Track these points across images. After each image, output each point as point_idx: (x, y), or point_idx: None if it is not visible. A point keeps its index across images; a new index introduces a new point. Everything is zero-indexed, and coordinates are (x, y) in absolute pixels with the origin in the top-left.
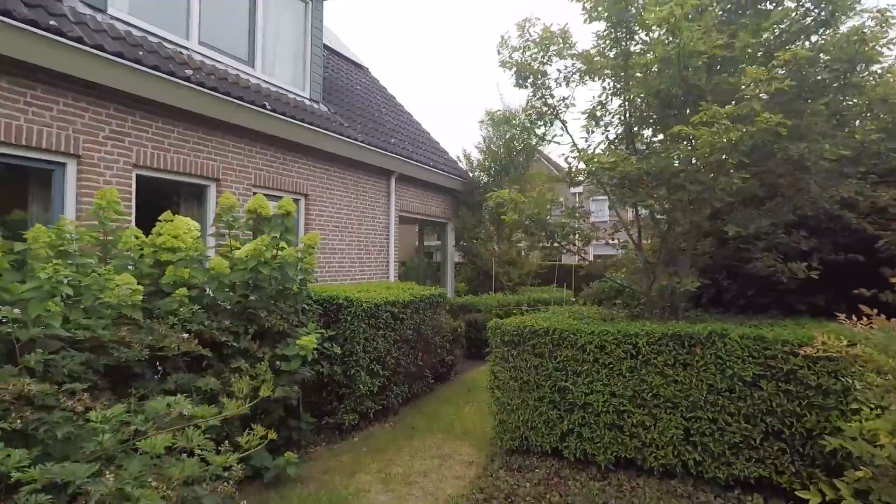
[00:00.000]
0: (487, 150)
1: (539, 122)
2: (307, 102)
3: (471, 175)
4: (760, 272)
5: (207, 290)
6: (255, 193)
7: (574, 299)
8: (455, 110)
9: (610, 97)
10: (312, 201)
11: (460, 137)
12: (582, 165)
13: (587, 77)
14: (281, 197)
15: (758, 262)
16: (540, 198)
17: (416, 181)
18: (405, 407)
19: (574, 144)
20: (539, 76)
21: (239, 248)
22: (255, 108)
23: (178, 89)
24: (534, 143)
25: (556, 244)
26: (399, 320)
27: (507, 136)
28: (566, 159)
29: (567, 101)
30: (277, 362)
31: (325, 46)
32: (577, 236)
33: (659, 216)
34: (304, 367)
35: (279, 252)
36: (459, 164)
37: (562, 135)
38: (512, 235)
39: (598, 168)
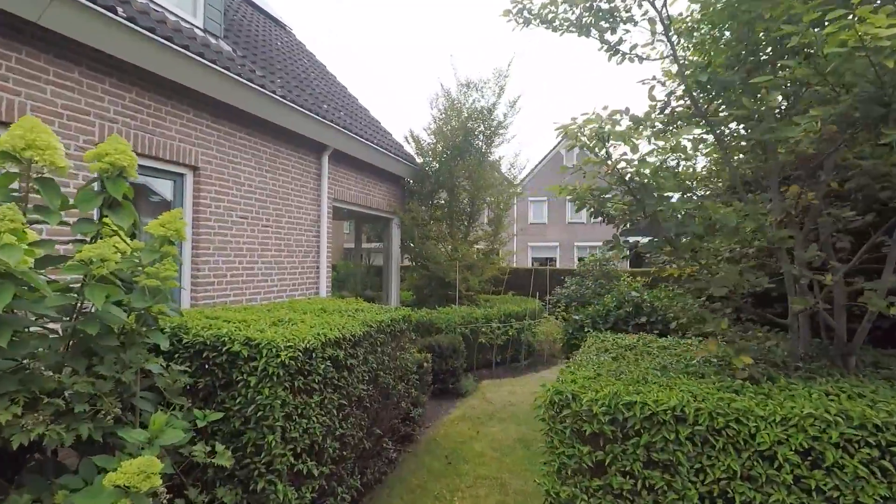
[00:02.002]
0: (439, 132)
1: (606, 22)
2: (199, 32)
3: (420, 160)
4: None
5: None
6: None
7: (547, 314)
8: (393, 105)
9: None
10: (205, 178)
11: (401, 127)
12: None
13: None
14: (151, 167)
15: None
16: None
17: (354, 162)
18: None
19: (675, 57)
20: None
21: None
22: (91, 6)
23: None
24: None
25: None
26: (347, 370)
27: (464, 116)
28: (652, 88)
29: None
30: None
31: None
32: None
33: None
34: None
35: (90, 247)
36: (407, 146)
37: (650, 43)
38: (469, 234)
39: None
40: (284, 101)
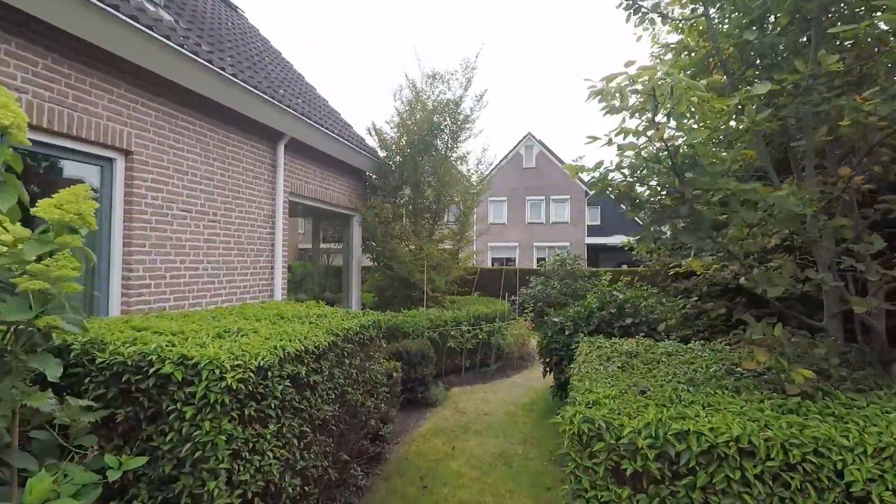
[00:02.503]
0: (402, 125)
1: None
2: None
3: (383, 154)
4: None
5: None
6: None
7: (516, 315)
8: (368, 103)
9: None
10: (140, 164)
11: (367, 123)
12: None
13: None
14: (70, 149)
15: None
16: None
17: (313, 153)
18: None
19: (707, 14)
20: None
21: None
22: None
23: None
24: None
25: None
26: (310, 389)
27: (429, 109)
28: (679, 53)
29: None
30: None
31: None
32: None
33: None
34: None
35: None
36: (370, 139)
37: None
38: (434, 232)
39: None
40: (235, 79)
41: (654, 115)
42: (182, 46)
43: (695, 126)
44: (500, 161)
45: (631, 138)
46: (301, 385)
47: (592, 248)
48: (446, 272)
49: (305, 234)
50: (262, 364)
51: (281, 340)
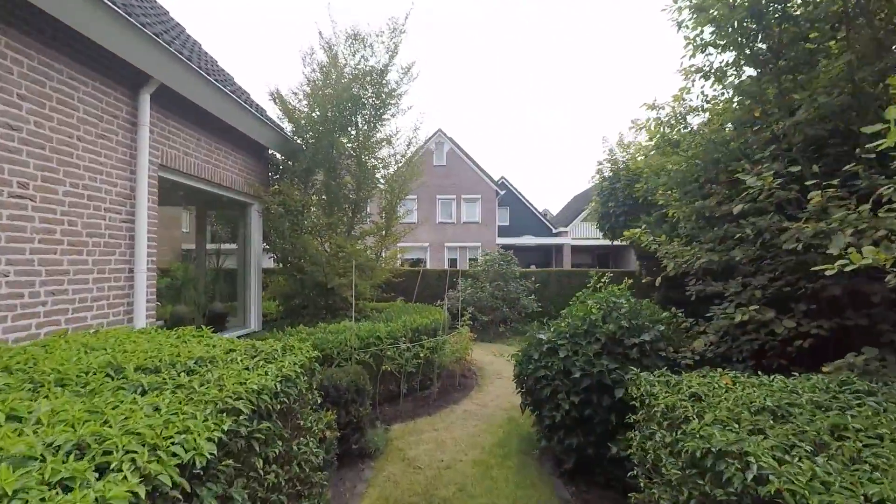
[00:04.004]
0: (314, 95)
1: None
2: None
3: (289, 128)
4: None
5: None
6: None
7: (459, 325)
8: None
9: None
10: None
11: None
12: None
13: None
14: None
15: None
16: None
17: (197, 114)
18: None
19: None
20: None
21: None
22: None
23: None
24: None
25: None
26: None
27: (349, 77)
28: None
29: None
30: None
31: None
32: None
33: None
34: None
35: None
36: (275, 108)
37: None
38: (354, 227)
39: None
40: None
41: None
42: None
43: None
44: (410, 157)
45: None
46: None
47: (503, 249)
48: (370, 275)
49: (189, 231)
50: None
51: (81, 485)
